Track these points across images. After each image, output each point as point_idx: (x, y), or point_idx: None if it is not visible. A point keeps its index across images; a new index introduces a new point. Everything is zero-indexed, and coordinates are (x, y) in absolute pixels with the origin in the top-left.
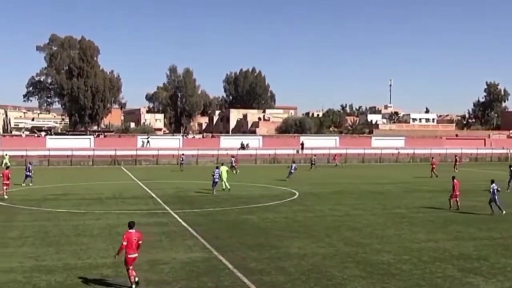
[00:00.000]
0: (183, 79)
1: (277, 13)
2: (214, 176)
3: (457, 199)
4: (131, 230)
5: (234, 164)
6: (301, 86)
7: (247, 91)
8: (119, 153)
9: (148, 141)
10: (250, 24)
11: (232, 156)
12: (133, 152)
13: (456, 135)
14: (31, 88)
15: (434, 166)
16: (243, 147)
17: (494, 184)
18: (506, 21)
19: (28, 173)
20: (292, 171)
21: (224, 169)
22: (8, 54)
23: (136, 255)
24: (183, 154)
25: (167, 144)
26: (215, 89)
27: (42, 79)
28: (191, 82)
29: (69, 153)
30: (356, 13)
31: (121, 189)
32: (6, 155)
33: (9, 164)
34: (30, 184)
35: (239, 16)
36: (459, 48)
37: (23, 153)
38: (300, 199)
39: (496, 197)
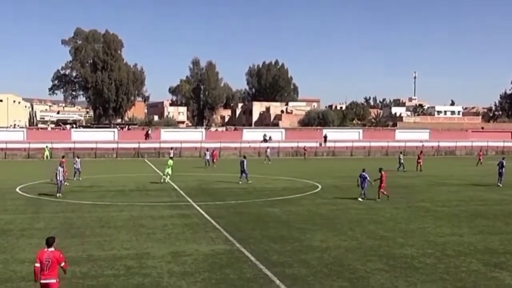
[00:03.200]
0: (206, 72)
1: (300, 7)
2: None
3: (383, 190)
4: (46, 249)
5: (208, 158)
6: (324, 78)
7: (270, 83)
8: (142, 145)
9: (148, 133)
10: (274, 17)
11: (207, 149)
12: (157, 145)
13: (482, 128)
14: (56, 82)
15: (420, 160)
16: (265, 139)
17: (364, 173)
18: None
19: (77, 167)
20: (402, 161)
21: (170, 162)
22: (34, 48)
23: (51, 281)
24: (171, 148)
25: (190, 137)
26: (238, 82)
27: (67, 73)
28: (214, 75)
29: (93, 145)
30: (380, 6)
31: (145, 181)
32: (47, 147)
33: (49, 155)
34: (80, 178)
35: (263, 9)
36: (485, 39)
37: (49, 145)
38: (323, 192)
39: (365, 185)
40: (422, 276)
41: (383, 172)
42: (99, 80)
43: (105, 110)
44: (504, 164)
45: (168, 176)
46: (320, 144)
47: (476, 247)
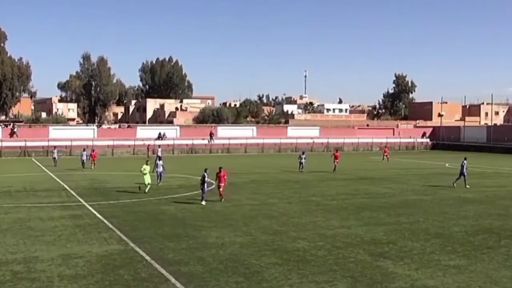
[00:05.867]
0: (97, 67)
1: (195, 2)
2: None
3: (221, 189)
4: None
5: (84, 159)
6: (219, 76)
7: (164, 80)
8: (29, 144)
9: (13, 131)
10: (167, 12)
11: (84, 148)
12: (45, 143)
13: (367, 125)
14: None
15: (337, 160)
16: (160, 137)
17: (205, 173)
18: (413, 14)
19: None
20: (303, 161)
21: (146, 169)
22: None
23: None
24: (54, 147)
25: (81, 135)
26: (131, 78)
27: None
28: (106, 71)
29: None
30: (272, 5)
31: (32, 181)
32: None
33: None
34: None
35: (156, 3)
36: (370, 40)
37: None
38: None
39: (205, 187)
40: (314, 268)
41: (222, 171)
42: None
43: None
44: (465, 163)
45: (149, 186)
46: (208, 141)
47: (363, 238)
